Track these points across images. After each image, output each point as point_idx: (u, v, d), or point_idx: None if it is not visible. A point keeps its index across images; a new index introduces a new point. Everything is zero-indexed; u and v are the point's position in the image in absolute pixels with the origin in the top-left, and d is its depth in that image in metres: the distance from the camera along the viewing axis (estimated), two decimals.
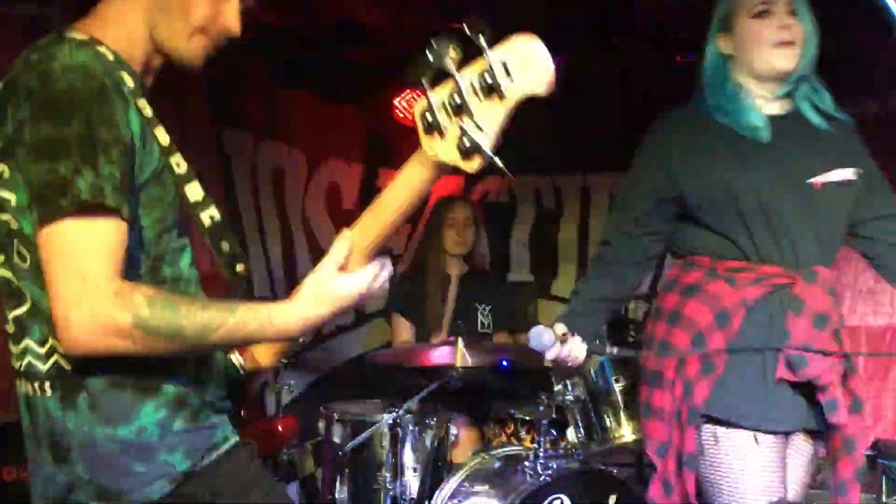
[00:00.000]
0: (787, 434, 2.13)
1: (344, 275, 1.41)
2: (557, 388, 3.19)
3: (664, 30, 4.47)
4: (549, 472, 2.98)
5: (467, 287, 4.04)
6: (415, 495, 3.20)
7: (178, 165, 1.48)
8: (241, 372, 1.61)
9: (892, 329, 4.45)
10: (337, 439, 3.32)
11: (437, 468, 3.27)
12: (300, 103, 4.84)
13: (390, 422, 3.19)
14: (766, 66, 2.10)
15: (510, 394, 3.82)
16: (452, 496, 3.09)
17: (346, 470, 3.29)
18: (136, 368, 1.41)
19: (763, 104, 2.15)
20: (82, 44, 1.40)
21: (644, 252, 2.26)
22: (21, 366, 1.47)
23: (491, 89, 1.25)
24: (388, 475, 3.17)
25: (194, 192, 1.50)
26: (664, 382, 2.16)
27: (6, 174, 1.38)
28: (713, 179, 2.11)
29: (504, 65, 1.23)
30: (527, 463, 3.07)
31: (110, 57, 1.43)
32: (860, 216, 2.19)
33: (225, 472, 1.50)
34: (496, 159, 1.28)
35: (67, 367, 1.41)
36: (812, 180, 2.09)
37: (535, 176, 5.74)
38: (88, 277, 1.29)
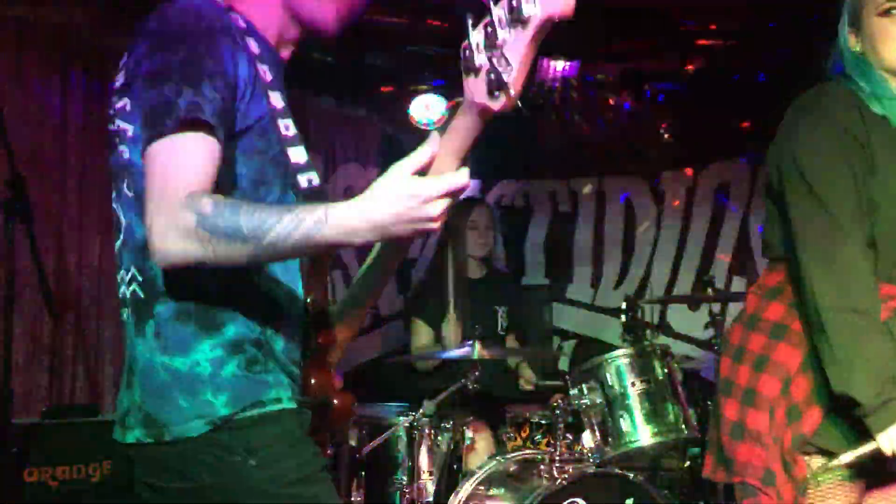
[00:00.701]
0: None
1: (416, 176, 1.31)
2: (573, 391, 3.19)
3: (673, 35, 4.48)
4: (565, 475, 2.97)
5: (486, 290, 4.05)
6: (430, 498, 3.20)
7: (286, 128, 1.53)
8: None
9: None
10: (353, 441, 3.33)
11: (452, 472, 3.27)
12: (316, 107, 4.87)
13: (407, 425, 3.20)
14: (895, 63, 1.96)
15: (526, 397, 3.82)
16: (468, 500, 3.09)
17: (363, 472, 3.30)
18: (201, 303, 1.46)
19: None
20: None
21: None
22: (119, 294, 1.54)
23: (515, 18, 1.22)
24: (404, 478, 3.18)
25: (297, 154, 1.54)
26: (760, 401, 1.96)
27: (128, 107, 1.47)
28: (880, 172, 1.89)
29: None
30: (542, 467, 3.07)
31: (241, 23, 1.52)
32: None
33: (265, 433, 1.47)
34: (512, 92, 1.24)
35: (143, 294, 1.48)
36: None
37: (551, 179, 5.75)
38: (168, 186, 1.35)
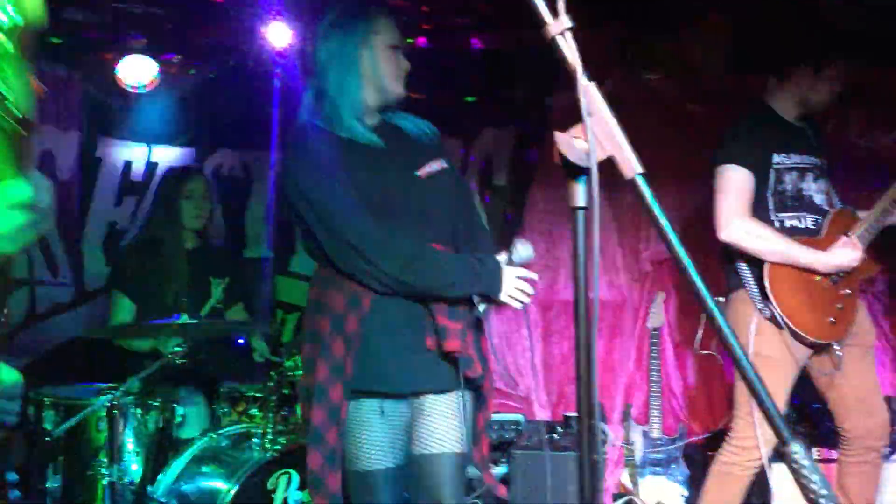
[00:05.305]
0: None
1: None
2: (289, 363, 3.18)
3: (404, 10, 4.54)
4: (278, 447, 2.97)
5: (201, 261, 3.89)
6: (136, 479, 3.05)
7: None
8: None
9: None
10: (49, 425, 3.10)
11: (163, 450, 3.14)
12: None
13: (107, 404, 3.01)
14: None
15: (241, 371, 3.75)
16: (178, 478, 2.99)
17: (60, 457, 3.08)
18: None
19: None
20: None
21: None
22: None
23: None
24: (104, 460, 3.00)
25: None
26: None
27: None
28: None
29: None
30: (255, 440, 3.04)
31: None
32: None
33: None
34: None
35: None
36: None
37: (271, 150, 5.64)
38: None
